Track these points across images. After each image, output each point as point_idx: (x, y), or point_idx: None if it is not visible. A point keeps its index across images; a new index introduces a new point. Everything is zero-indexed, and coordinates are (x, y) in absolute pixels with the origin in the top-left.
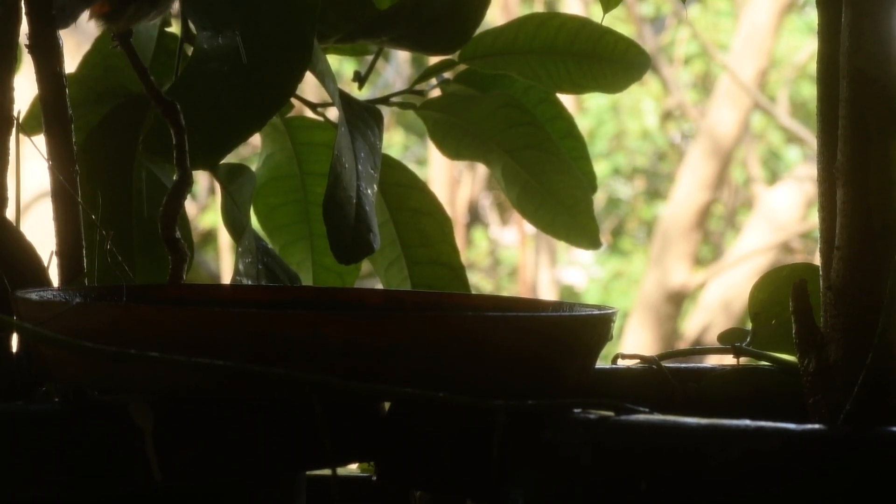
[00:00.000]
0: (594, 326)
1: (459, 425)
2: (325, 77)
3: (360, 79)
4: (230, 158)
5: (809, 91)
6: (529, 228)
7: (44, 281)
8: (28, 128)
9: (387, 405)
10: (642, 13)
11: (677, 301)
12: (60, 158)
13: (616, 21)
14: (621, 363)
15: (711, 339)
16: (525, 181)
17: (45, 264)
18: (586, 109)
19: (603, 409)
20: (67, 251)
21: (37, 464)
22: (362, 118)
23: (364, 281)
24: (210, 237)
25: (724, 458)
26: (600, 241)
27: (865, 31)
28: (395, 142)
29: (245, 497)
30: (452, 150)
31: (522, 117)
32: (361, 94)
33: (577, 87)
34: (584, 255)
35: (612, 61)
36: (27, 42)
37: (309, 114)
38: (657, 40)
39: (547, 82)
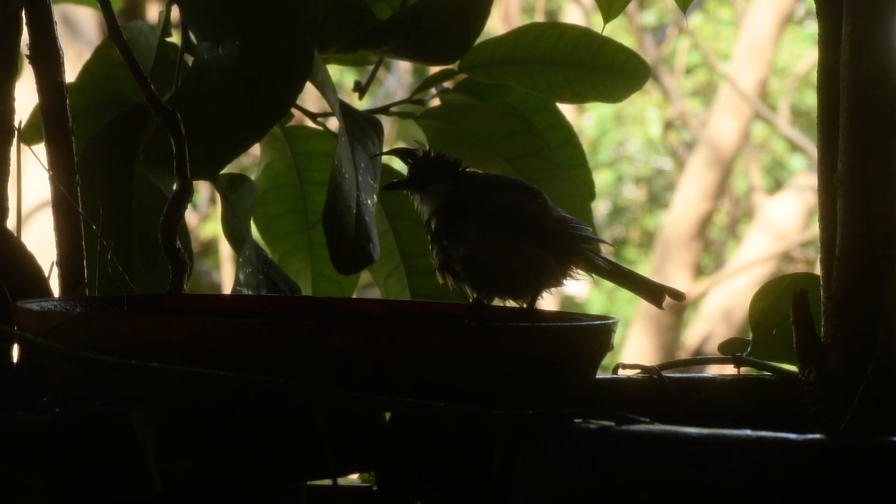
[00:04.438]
0: (595, 336)
1: (460, 435)
2: (326, 87)
3: (361, 89)
4: (230, 168)
5: (812, 100)
6: None
7: (44, 291)
8: (29, 137)
9: (388, 415)
10: (643, 23)
11: (678, 311)
12: (61, 168)
13: (617, 31)
14: (622, 373)
15: (712, 348)
16: None
17: (46, 274)
18: (589, 118)
19: (604, 419)
20: (68, 261)
21: (37, 473)
22: (362, 128)
23: (364, 291)
24: (211, 247)
25: (725, 468)
26: (599, 249)
27: (866, 42)
28: (397, 166)
29: None
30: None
31: (521, 126)
32: (362, 103)
33: (577, 97)
34: None
35: (612, 71)
36: (28, 52)
37: (309, 123)
38: (658, 50)
39: (546, 91)
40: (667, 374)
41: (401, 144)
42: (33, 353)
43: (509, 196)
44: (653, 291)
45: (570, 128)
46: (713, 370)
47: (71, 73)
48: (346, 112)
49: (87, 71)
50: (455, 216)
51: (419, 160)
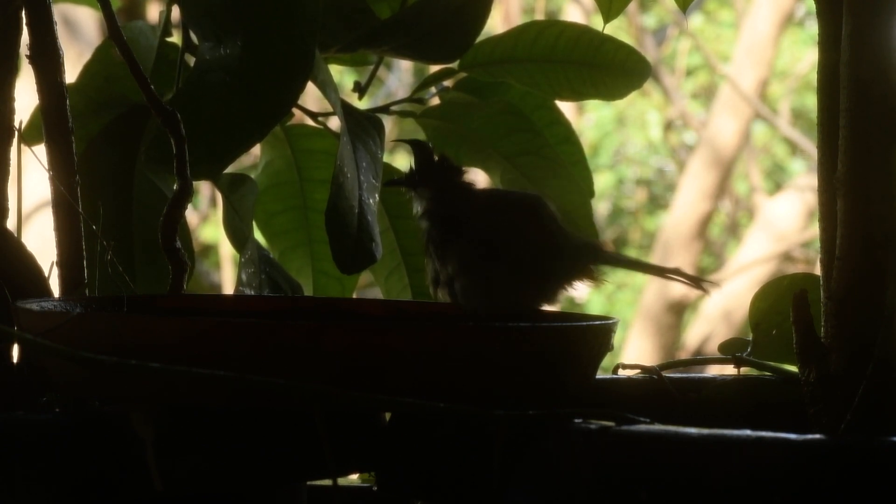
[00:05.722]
0: (594, 336)
1: (460, 435)
2: (327, 87)
3: (361, 89)
4: (231, 168)
5: (812, 102)
6: None
7: (45, 291)
8: (29, 138)
9: (388, 415)
10: (644, 24)
11: (678, 311)
12: (61, 168)
13: (617, 31)
14: (622, 373)
15: (712, 349)
16: (524, 187)
17: (46, 275)
18: (589, 120)
19: (604, 419)
20: (68, 261)
21: (37, 473)
22: (364, 128)
23: (365, 290)
24: (210, 250)
25: (725, 469)
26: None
27: (866, 42)
28: (399, 164)
29: None
30: (451, 156)
31: (521, 123)
32: (363, 103)
33: (577, 94)
34: None
35: (612, 69)
36: (28, 52)
37: (310, 122)
38: (659, 51)
39: (546, 89)
40: (667, 374)
41: (404, 158)
42: (33, 354)
43: (505, 219)
44: (687, 277)
45: (568, 125)
46: (713, 370)
47: (71, 74)
48: (347, 111)
49: (88, 71)
50: (446, 235)
51: (421, 158)
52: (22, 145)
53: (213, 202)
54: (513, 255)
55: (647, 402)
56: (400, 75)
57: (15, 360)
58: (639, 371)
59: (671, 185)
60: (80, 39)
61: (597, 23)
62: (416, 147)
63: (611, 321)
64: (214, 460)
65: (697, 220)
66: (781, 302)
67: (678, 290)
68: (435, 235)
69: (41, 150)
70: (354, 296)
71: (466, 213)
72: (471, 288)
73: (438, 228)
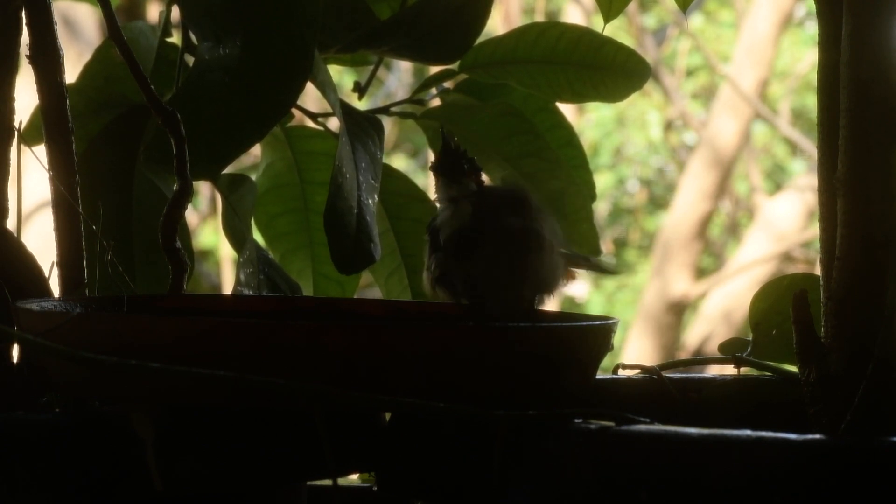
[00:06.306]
0: (594, 336)
1: (460, 435)
2: (326, 87)
3: (361, 89)
4: (230, 168)
5: (812, 102)
6: None
7: (45, 291)
8: (29, 138)
9: (388, 415)
10: (644, 24)
11: (678, 311)
12: (61, 169)
13: (618, 31)
14: (622, 373)
15: (712, 349)
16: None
17: (46, 275)
18: (589, 120)
19: (604, 420)
20: (68, 262)
21: (37, 473)
22: (363, 128)
23: (365, 291)
24: (211, 248)
25: (725, 468)
26: (601, 249)
27: (866, 42)
28: (398, 165)
29: None
30: None
31: (522, 126)
32: (362, 104)
33: (578, 96)
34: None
35: (613, 70)
36: (28, 52)
37: (310, 123)
38: (659, 51)
39: (547, 91)
40: (667, 374)
41: (401, 145)
42: (33, 354)
43: (519, 222)
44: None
45: (571, 129)
46: (713, 370)
47: (71, 74)
48: (346, 112)
49: (88, 71)
50: (468, 240)
51: (450, 148)
52: (22, 145)
53: (212, 203)
54: (510, 247)
55: (647, 402)
56: (400, 75)
57: (15, 360)
58: (639, 371)
59: (671, 185)
60: (80, 39)
61: (597, 23)
62: (446, 141)
63: (611, 321)
64: (214, 460)
65: (697, 220)
66: (781, 302)
67: (678, 290)
68: (458, 239)
69: (41, 150)
70: (355, 296)
71: (490, 216)
72: (493, 283)
73: (463, 233)
